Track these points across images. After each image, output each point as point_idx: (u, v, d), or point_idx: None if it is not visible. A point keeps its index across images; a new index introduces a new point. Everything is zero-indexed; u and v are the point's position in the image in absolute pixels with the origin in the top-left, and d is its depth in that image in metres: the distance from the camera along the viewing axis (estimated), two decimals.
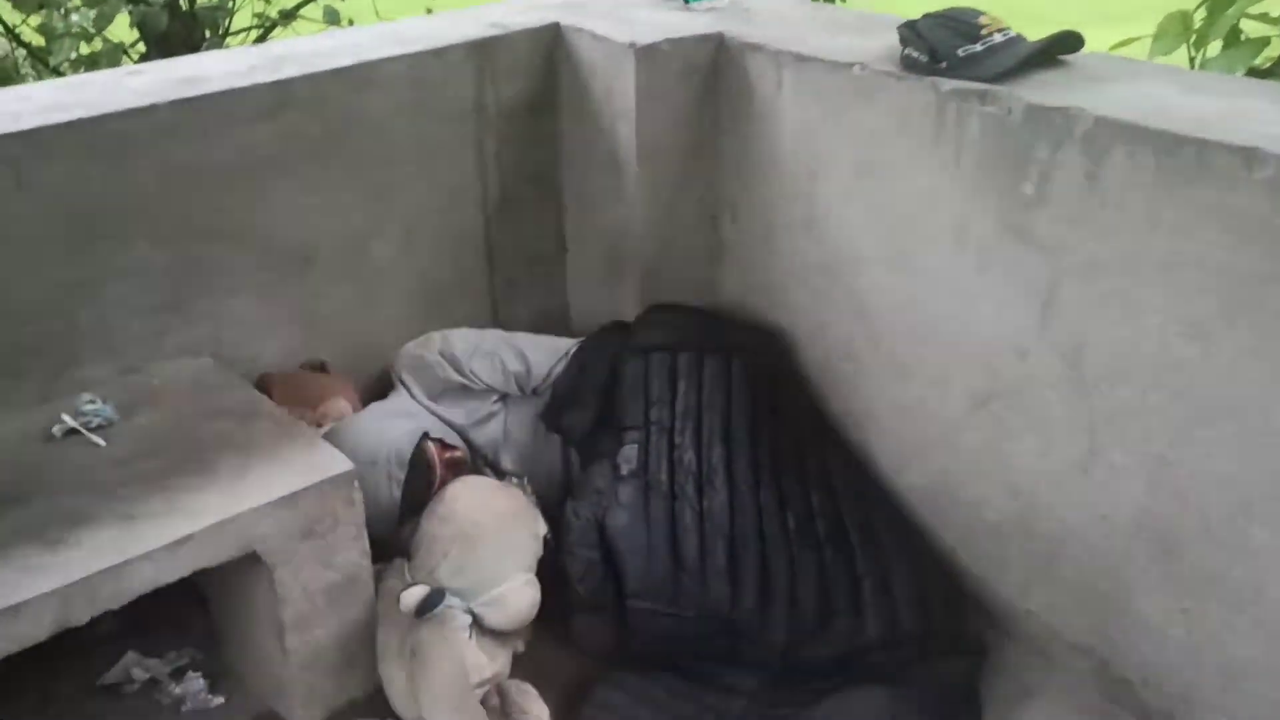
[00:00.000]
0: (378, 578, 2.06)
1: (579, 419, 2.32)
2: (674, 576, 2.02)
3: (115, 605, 1.71)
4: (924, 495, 2.27)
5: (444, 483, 2.25)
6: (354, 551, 1.96)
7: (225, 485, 1.86)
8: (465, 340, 2.43)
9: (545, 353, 2.43)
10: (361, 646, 2.02)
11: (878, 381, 2.29)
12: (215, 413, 2.06)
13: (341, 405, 2.33)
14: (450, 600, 1.93)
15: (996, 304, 2.00)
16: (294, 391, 2.29)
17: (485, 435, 2.39)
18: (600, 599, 2.04)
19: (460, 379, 2.38)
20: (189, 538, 1.75)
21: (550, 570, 2.09)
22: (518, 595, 1.97)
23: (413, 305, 2.56)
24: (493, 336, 2.47)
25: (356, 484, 1.92)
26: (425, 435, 2.21)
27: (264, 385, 2.29)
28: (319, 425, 2.27)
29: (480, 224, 2.62)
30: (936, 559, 2.23)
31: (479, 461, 2.38)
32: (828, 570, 2.10)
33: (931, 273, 2.10)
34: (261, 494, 1.84)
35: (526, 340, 2.47)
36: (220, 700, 2.09)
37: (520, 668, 2.05)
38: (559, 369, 2.41)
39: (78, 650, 2.02)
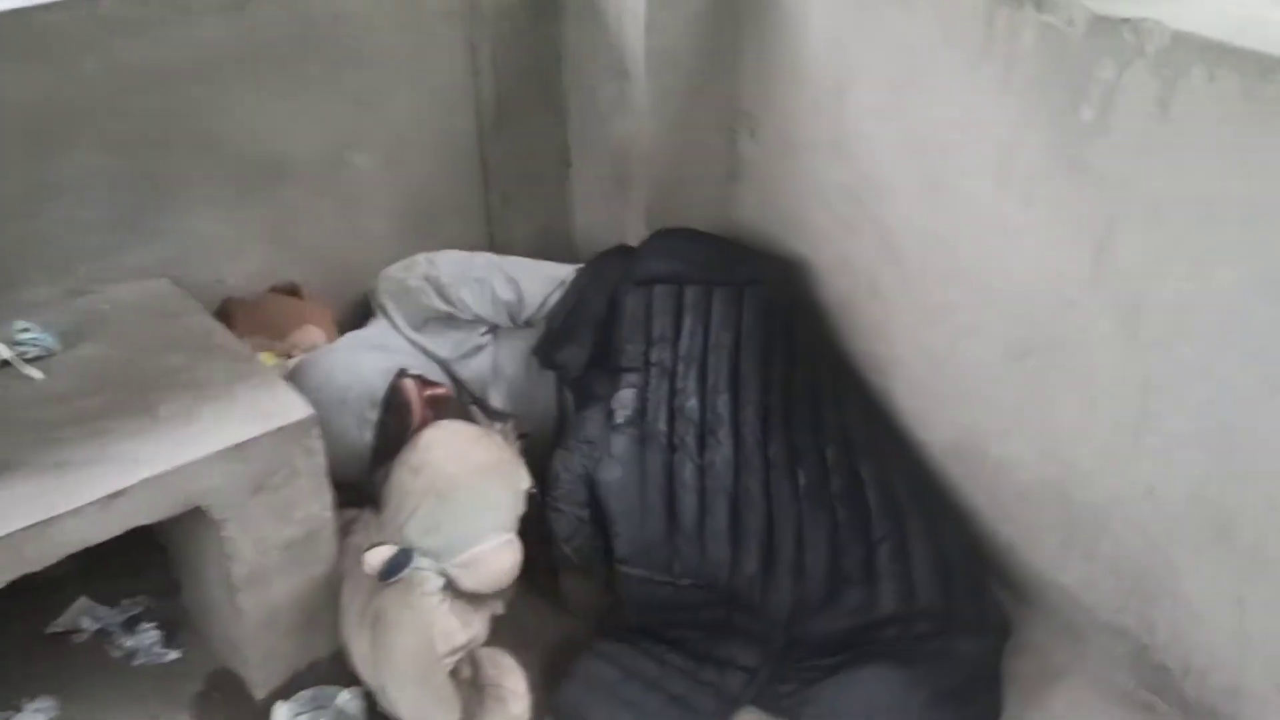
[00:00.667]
0: (346, 529, 1.89)
1: (574, 356, 2.10)
2: (669, 540, 1.83)
3: (38, 567, 1.54)
4: (949, 451, 2.05)
5: (425, 423, 2.05)
6: (315, 504, 1.78)
7: (169, 430, 1.67)
8: (453, 264, 2.21)
9: (540, 280, 2.21)
10: (324, 604, 1.85)
11: (905, 323, 2.06)
12: (167, 344, 1.86)
13: (313, 335, 2.12)
14: (419, 562, 1.75)
15: (1043, 245, 1.76)
16: (260, 319, 2.09)
17: (472, 370, 2.18)
18: (588, 561, 1.86)
19: (446, 307, 2.16)
20: (123, 492, 1.56)
21: (536, 525, 1.90)
22: (495, 557, 1.78)
23: (397, 224, 2.34)
24: (483, 261, 2.24)
25: (317, 431, 1.73)
26: (402, 372, 2.01)
27: (227, 312, 2.09)
28: (287, 357, 2.07)
29: (473, 135, 2.38)
30: (960, 523, 2.03)
31: (465, 399, 2.18)
32: (840, 533, 1.90)
33: (970, 206, 1.85)
34: (208, 442, 1.64)
35: (520, 266, 2.24)
36: (175, 655, 1.94)
37: (501, 628, 1.88)
38: (554, 298, 2.19)
39: (28, 589, 1.85)
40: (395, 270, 2.22)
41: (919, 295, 2.01)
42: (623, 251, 2.26)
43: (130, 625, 1.98)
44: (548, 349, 2.13)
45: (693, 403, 1.97)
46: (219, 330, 1.92)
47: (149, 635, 1.96)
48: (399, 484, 1.83)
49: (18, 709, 1.80)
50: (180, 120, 2.00)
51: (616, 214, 2.39)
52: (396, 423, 1.98)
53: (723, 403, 1.98)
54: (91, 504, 1.54)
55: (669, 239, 2.23)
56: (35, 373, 1.76)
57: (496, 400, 2.18)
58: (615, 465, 1.89)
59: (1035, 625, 1.95)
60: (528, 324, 2.19)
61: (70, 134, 1.90)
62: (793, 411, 2.01)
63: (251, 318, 2.07)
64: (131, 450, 1.63)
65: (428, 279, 2.17)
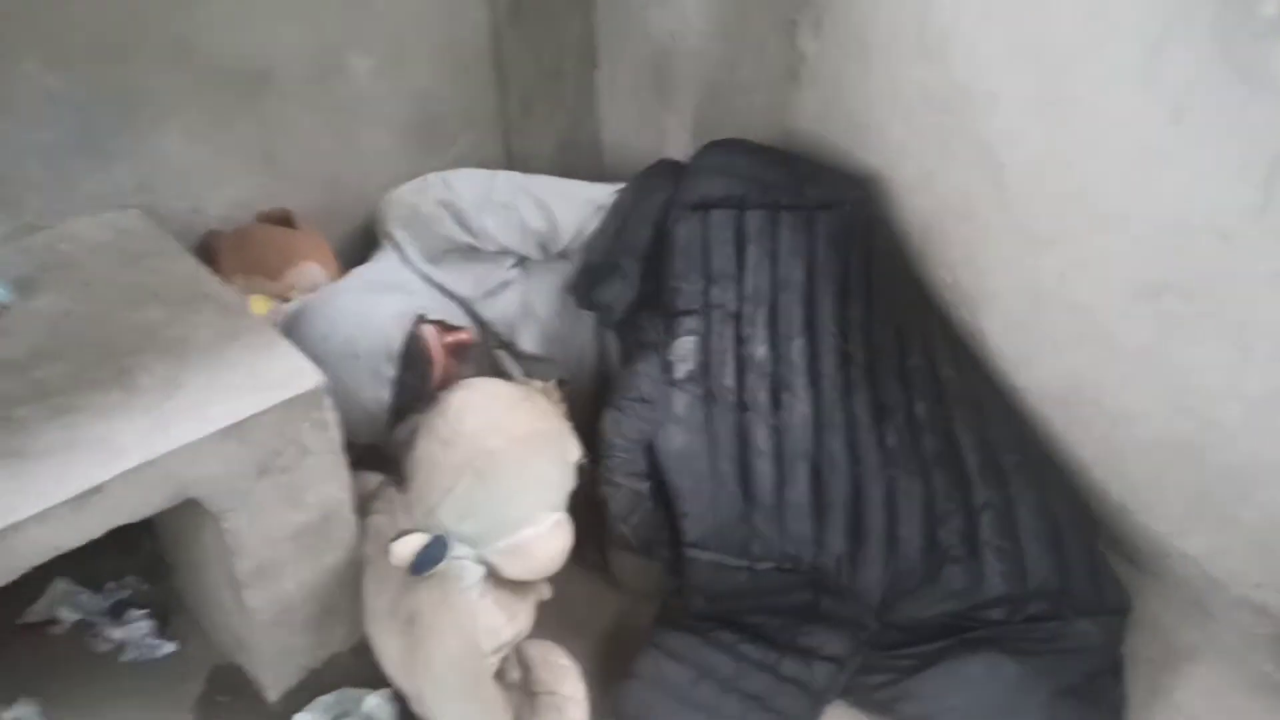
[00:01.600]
0: (366, 503, 1.62)
1: (617, 294, 1.80)
2: (745, 516, 1.57)
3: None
4: (1054, 400, 1.79)
5: (448, 374, 1.77)
6: (329, 485, 1.50)
7: (150, 407, 1.37)
8: (472, 186, 1.89)
9: (575, 204, 1.90)
10: (344, 594, 1.59)
11: (1003, 252, 1.77)
12: (142, 294, 1.55)
13: (313, 272, 1.82)
14: (457, 549, 1.48)
15: (1195, 168, 1.46)
16: (249, 255, 1.77)
17: (498, 310, 1.89)
18: (648, 542, 1.60)
19: (467, 238, 1.86)
20: (99, 488, 1.28)
21: (585, 495, 1.64)
22: (544, 543, 1.51)
23: (401, 138, 2.02)
24: (507, 182, 1.92)
25: (329, 401, 1.44)
26: (420, 318, 1.71)
27: (210, 248, 1.78)
28: (283, 300, 1.77)
29: (486, 31, 2.04)
30: (1067, 483, 1.78)
31: (490, 343, 1.90)
32: (937, 502, 1.64)
33: (1100, 120, 1.55)
34: (200, 421, 1.35)
35: (550, 187, 1.93)
36: (170, 647, 1.69)
37: (547, 612, 1.63)
38: (592, 225, 1.88)
39: None
40: (405, 193, 1.91)
41: (1023, 220, 1.72)
42: (669, 169, 1.95)
43: (117, 612, 1.71)
44: (586, 286, 1.83)
45: (763, 351, 1.69)
46: (203, 274, 1.61)
47: (139, 625, 1.69)
48: (428, 457, 1.55)
49: None
50: (143, 24, 1.66)
51: (655, 123, 2.07)
52: (417, 378, 1.70)
53: (797, 350, 1.70)
54: (61, 504, 1.26)
55: (723, 153, 1.91)
56: None
57: (527, 344, 1.90)
58: (678, 430, 1.61)
59: (1155, 599, 1.72)
60: (561, 256, 1.89)
61: (6, 44, 1.56)
62: (876, 359, 1.73)
63: (239, 254, 1.76)
64: (107, 433, 1.33)
65: (444, 204, 1.86)
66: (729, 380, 1.66)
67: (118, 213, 1.71)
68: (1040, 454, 1.77)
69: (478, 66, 2.05)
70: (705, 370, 1.67)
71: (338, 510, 1.53)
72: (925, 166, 1.85)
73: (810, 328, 1.72)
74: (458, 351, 1.79)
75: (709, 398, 1.65)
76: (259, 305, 1.73)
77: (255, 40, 1.77)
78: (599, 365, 1.89)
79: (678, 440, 1.60)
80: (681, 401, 1.64)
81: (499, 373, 1.93)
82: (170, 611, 1.73)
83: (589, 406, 1.80)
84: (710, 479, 1.58)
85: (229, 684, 1.65)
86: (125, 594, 1.74)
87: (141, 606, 1.72)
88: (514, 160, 2.14)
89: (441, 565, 1.47)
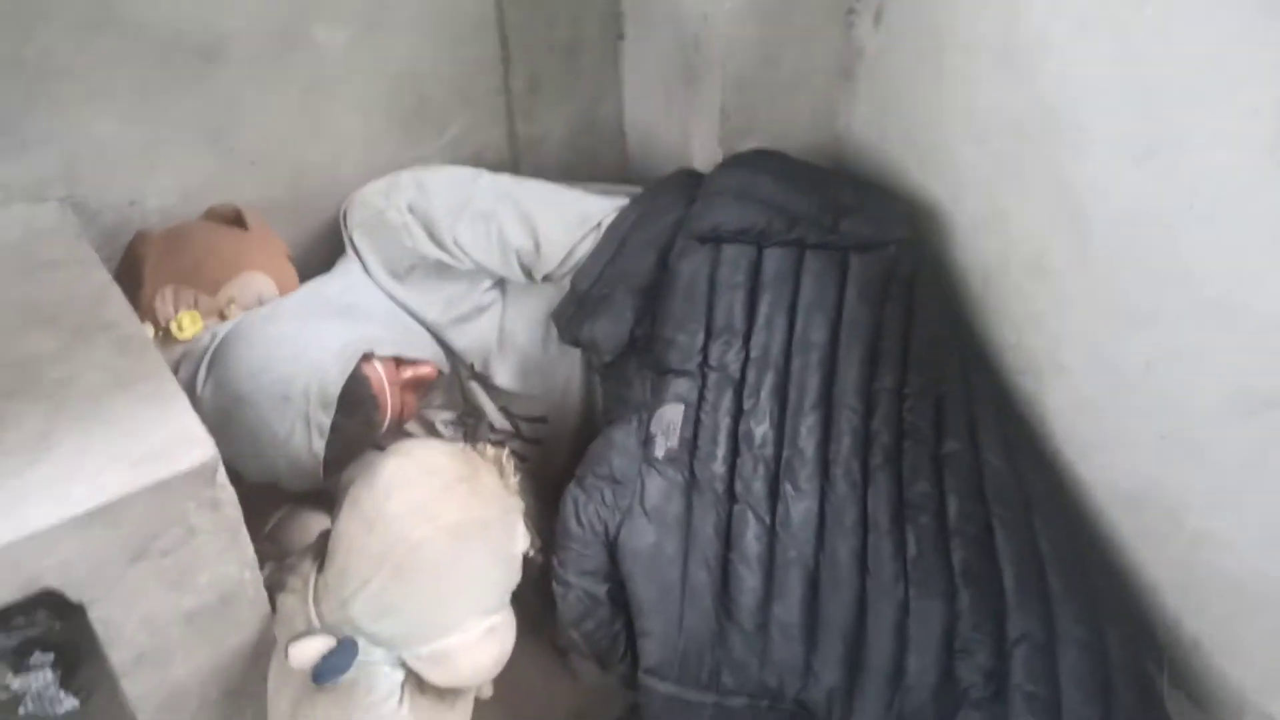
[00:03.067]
0: (282, 566, 1.40)
1: (607, 333, 1.51)
2: (719, 639, 1.30)
3: None
4: (1125, 503, 1.47)
5: (406, 412, 1.53)
6: (228, 564, 1.27)
7: (6, 474, 1.15)
8: (450, 190, 1.61)
9: (567, 219, 1.60)
10: (255, 674, 1.38)
11: (1080, 319, 1.44)
12: (33, 315, 1.32)
13: (259, 284, 1.56)
14: (369, 654, 1.25)
15: None
16: (182, 262, 1.52)
17: (471, 337, 1.62)
18: (604, 653, 1.34)
19: (437, 253, 1.58)
20: None
21: (537, 583, 1.39)
22: (471, 654, 1.27)
23: (379, 120, 1.74)
24: (491, 186, 1.63)
25: (223, 476, 1.20)
26: (367, 355, 1.46)
27: (136, 253, 1.53)
28: (220, 319, 1.53)
29: None
30: (1132, 608, 1.47)
31: (461, 374, 1.64)
32: (960, 629, 1.34)
33: (1214, 183, 1.21)
34: (58, 501, 1.13)
35: (542, 197, 1.63)
36: (71, 704, 1.49)
37: (495, 706, 1.40)
38: (585, 247, 1.58)
39: None
40: (372, 193, 1.63)
41: (1108, 289, 1.38)
42: (686, 184, 1.63)
43: (23, 652, 1.53)
44: (572, 320, 1.54)
45: (765, 429, 1.40)
46: (110, 293, 1.37)
47: (42, 674, 1.50)
48: (348, 537, 1.30)
49: None
50: None
51: (681, 115, 1.75)
52: (360, 423, 1.46)
53: (808, 429, 1.40)
54: None
55: (745, 172, 1.59)
56: None
57: (502, 378, 1.63)
58: (648, 525, 1.34)
59: None
60: (547, 279, 1.60)
61: None
62: (905, 442, 1.42)
63: (170, 260, 1.51)
64: None
65: (413, 210, 1.58)
66: (719, 465, 1.38)
67: (31, 205, 1.48)
68: (1098, 571, 1.45)
69: (477, 38, 1.74)
70: (692, 449, 1.39)
71: (238, 592, 1.30)
72: (998, 201, 1.51)
73: (826, 402, 1.42)
74: (415, 387, 1.53)
75: (692, 485, 1.36)
76: (190, 324, 1.48)
77: (197, 3, 1.49)
78: (586, 404, 1.62)
79: (647, 537, 1.33)
80: (657, 487, 1.36)
81: (471, 408, 1.68)
82: (81, 657, 1.53)
83: (572, 449, 1.55)
84: (681, 591, 1.31)
85: None
86: (34, 632, 1.55)
87: (49, 649, 1.53)
88: (520, 144, 1.85)
89: (349, 674, 1.24)
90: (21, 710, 1.48)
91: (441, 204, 1.58)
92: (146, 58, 1.49)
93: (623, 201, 1.61)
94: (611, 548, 1.34)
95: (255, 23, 1.55)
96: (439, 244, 1.57)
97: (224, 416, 1.39)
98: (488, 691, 1.39)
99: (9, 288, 1.36)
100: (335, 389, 1.40)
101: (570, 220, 1.59)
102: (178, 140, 1.57)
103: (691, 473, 1.37)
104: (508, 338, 1.62)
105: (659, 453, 1.38)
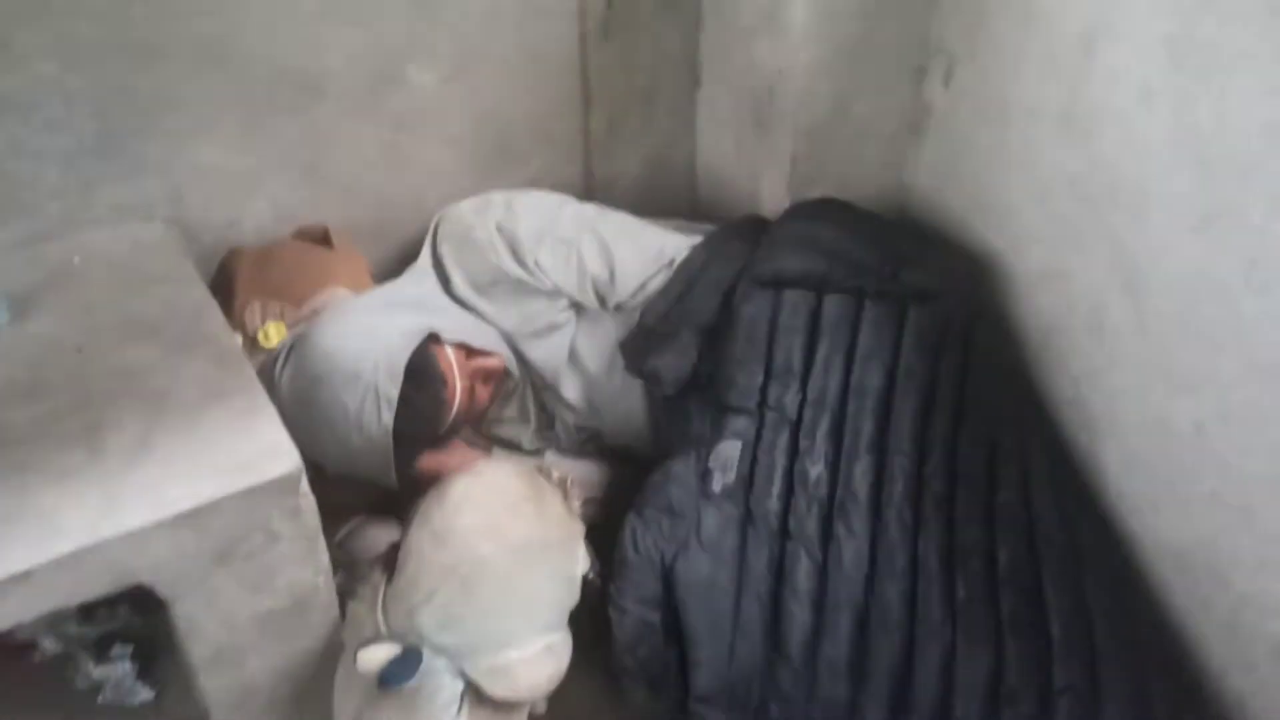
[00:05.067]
0: (353, 573, 1.47)
1: (671, 367, 1.58)
2: (768, 671, 1.35)
3: None
4: (1175, 560, 1.49)
5: (476, 404, 1.59)
6: (303, 570, 1.35)
7: (108, 476, 1.23)
8: (536, 214, 1.69)
9: (643, 254, 1.67)
10: (323, 677, 1.45)
11: (1135, 379, 1.47)
12: (137, 327, 1.42)
13: (341, 300, 1.65)
14: (431, 663, 1.32)
15: None
16: (271, 277, 1.62)
17: (544, 351, 1.69)
18: (656, 679, 1.40)
19: (519, 271, 1.66)
20: (26, 575, 1.15)
21: (593, 609, 1.45)
22: (529, 669, 1.33)
23: (465, 154, 1.83)
24: (575, 216, 1.71)
25: (303, 484, 1.28)
26: (433, 335, 1.53)
27: (230, 268, 1.63)
28: None
29: (574, 41, 1.82)
30: (1179, 665, 1.48)
31: (531, 385, 1.71)
32: (1007, 676, 1.37)
33: (1272, 245, 1.24)
34: (153, 502, 1.21)
35: (620, 228, 1.71)
36: (148, 696, 1.58)
37: None
38: (657, 282, 1.66)
39: None
40: (464, 210, 1.72)
41: (1160, 352, 1.41)
42: (753, 230, 1.70)
43: (104, 645, 1.62)
44: (638, 351, 1.61)
45: (819, 470, 1.45)
46: (209, 310, 1.47)
47: (120, 666, 1.59)
48: (417, 550, 1.38)
49: None
50: (174, 21, 1.50)
51: (751, 160, 1.82)
52: (428, 399, 1.51)
53: (861, 472, 1.45)
54: None
55: (808, 220, 1.65)
56: None
57: (569, 393, 1.70)
58: (704, 557, 1.39)
59: None
60: (618, 309, 1.68)
61: (15, 40, 1.43)
62: (958, 490, 1.46)
63: (260, 275, 1.61)
64: (54, 505, 1.20)
65: (500, 229, 1.66)
66: (774, 502, 1.43)
67: (140, 224, 1.59)
68: (1145, 626, 1.48)
69: (560, 82, 1.83)
70: (748, 485, 1.44)
71: (312, 596, 1.38)
72: (1058, 259, 1.55)
73: (880, 446, 1.46)
74: (484, 377, 1.60)
75: (747, 520, 1.42)
76: (275, 334, 1.58)
77: (306, 46, 1.60)
78: (651, 426, 1.68)
79: (701, 569, 1.38)
80: (713, 521, 1.42)
81: (542, 419, 1.75)
82: (158, 650, 1.62)
83: (635, 479, 1.60)
84: (733, 622, 1.36)
85: None
86: (115, 625, 1.64)
87: (129, 641, 1.62)
88: (595, 182, 1.93)
89: (412, 682, 1.31)
90: (100, 698, 1.56)
91: (527, 226, 1.66)
92: (252, 93, 1.60)
93: (697, 239, 1.68)
94: (667, 577, 1.39)
95: (354, 63, 1.65)
96: (521, 263, 1.65)
97: (301, 398, 1.47)
98: (542, 708, 1.45)
99: (117, 300, 1.46)
100: (402, 360, 1.46)
101: (646, 254, 1.66)
102: (276, 169, 1.67)
103: (747, 508, 1.43)
104: (579, 358, 1.69)
105: (716, 487, 1.44)
